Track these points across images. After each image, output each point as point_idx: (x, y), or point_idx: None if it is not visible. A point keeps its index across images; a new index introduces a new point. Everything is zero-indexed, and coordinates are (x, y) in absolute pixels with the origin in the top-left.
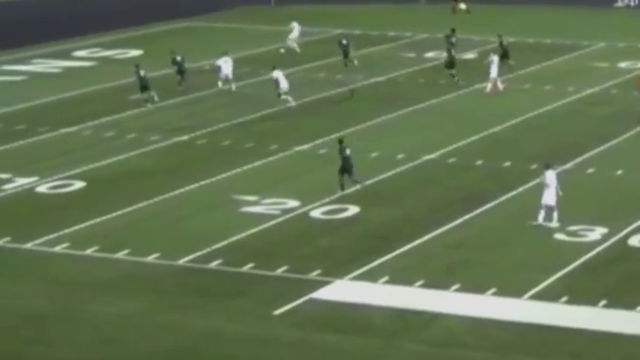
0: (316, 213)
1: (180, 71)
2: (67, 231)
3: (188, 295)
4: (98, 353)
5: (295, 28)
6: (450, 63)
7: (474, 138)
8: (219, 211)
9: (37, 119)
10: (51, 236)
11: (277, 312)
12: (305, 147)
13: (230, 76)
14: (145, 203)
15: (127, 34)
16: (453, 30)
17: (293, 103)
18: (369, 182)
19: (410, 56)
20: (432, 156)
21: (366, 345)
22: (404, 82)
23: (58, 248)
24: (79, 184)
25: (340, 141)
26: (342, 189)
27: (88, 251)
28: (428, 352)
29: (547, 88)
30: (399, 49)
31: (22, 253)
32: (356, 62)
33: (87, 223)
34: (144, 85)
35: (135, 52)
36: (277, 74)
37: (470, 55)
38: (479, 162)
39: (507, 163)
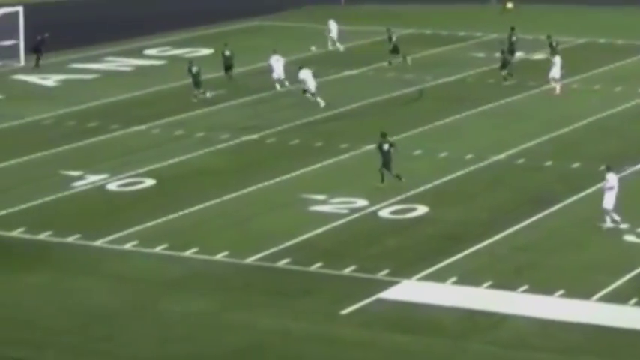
0: (385, 213)
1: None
2: (136, 229)
3: (256, 293)
4: (166, 351)
5: (333, 27)
6: (504, 63)
7: (542, 139)
8: (288, 210)
9: (108, 117)
10: (120, 234)
11: (344, 311)
12: (374, 146)
13: (282, 75)
14: (213, 202)
15: (197, 33)
16: (513, 29)
17: (323, 104)
18: (437, 182)
19: (479, 56)
20: (501, 157)
21: (434, 345)
22: (473, 83)
23: (127, 246)
24: (149, 182)
25: (383, 135)
26: (383, 181)
27: (157, 249)
28: (496, 354)
29: (617, 89)
30: (469, 49)
31: (92, 251)
32: (407, 58)
33: (156, 221)
34: (197, 82)
35: (205, 51)
36: (304, 74)
37: (539, 56)
38: (548, 163)
39: (576, 165)
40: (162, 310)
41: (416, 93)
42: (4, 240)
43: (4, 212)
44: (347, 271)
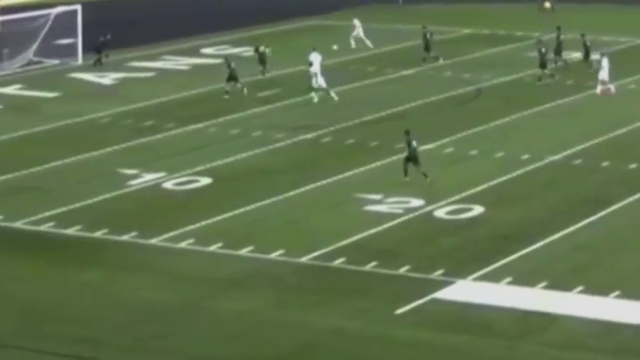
0: (440, 212)
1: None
2: (192, 227)
3: (310, 293)
4: (221, 350)
5: (357, 26)
6: (542, 63)
7: (600, 139)
8: (343, 210)
9: (164, 116)
10: (176, 232)
11: (399, 311)
12: (430, 146)
13: (319, 72)
14: (269, 201)
15: (254, 31)
16: (559, 28)
17: (335, 98)
18: (493, 182)
19: (537, 56)
20: (557, 157)
21: (488, 346)
22: (530, 83)
23: (182, 244)
24: (204, 181)
25: (407, 132)
26: (406, 174)
27: (212, 248)
28: (550, 355)
29: None
30: (526, 49)
31: (148, 249)
32: (441, 60)
33: (212, 220)
34: (233, 77)
35: (261, 50)
36: (316, 69)
37: (595, 56)
38: (605, 164)
39: (633, 165)
40: (216, 308)
41: (473, 92)
42: (60, 238)
43: (60, 210)
44: (402, 271)
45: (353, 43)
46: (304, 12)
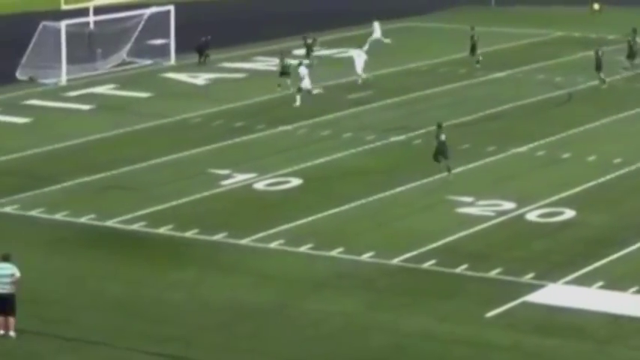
0: (532, 216)
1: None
2: (282, 228)
3: (401, 295)
4: (311, 350)
5: (376, 29)
6: (598, 65)
7: None
8: (434, 212)
9: (255, 117)
10: (267, 232)
11: (490, 314)
12: (522, 149)
13: (359, 69)
14: (359, 202)
15: (345, 33)
16: (635, 30)
17: (316, 91)
18: (585, 186)
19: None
20: None
21: (578, 350)
22: (622, 86)
23: (273, 245)
24: (295, 182)
25: (439, 126)
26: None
27: (303, 248)
28: None
29: None
30: (619, 53)
31: (239, 249)
32: (480, 59)
33: (302, 221)
34: (285, 72)
35: (354, 52)
36: (304, 71)
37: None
38: None
39: None
40: (306, 309)
41: (564, 96)
42: (151, 237)
43: (152, 209)
44: (492, 273)
45: (368, 46)
46: (395, 14)
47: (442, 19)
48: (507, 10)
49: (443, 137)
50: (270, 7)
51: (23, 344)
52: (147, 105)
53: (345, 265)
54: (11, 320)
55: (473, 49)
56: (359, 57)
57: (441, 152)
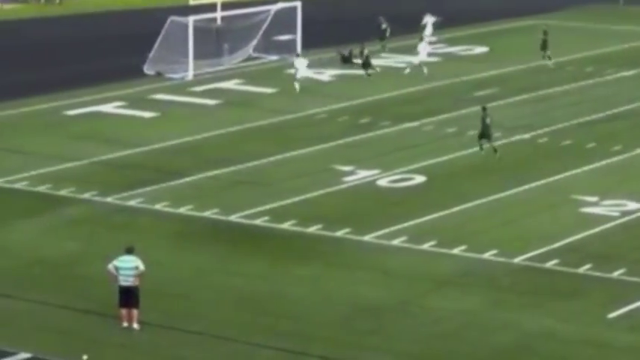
0: None
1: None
2: (405, 225)
3: (523, 294)
4: (432, 348)
5: (429, 24)
6: None
7: None
8: (558, 211)
9: (380, 113)
10: (389, 229)
11: (612, 315)
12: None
13: (418, 60)
14: (483, 200)
15: (472, 30)
16: None
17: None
18: None
19: None
20: None
21: None
22: None
23: (395, 241)
24: (419, 179)
25: (484, 109)
26: (482, 149)
27: (425, 246)
28: None
29: None
30: None
31: (361, 245)
32: (551, 61)
33: (425, 218)
34: (367, 63)
35: (480, 49)
36: (300, 63)
37: None
38: None
39: None
40: (429, 306)
41: None
42: (274, 232)
43: (276, 204)
44: (616, 274)
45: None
46: (522, 12)
47: (570, 17)
48: (636, 8)
49: (488, 120)
50: (398, 6)
51: (146, 337)
52: (273, 100)
53: (467, 263)
54: (134, 313)
55: (544, 45)
56: (424, 50)
57: (485, 135)
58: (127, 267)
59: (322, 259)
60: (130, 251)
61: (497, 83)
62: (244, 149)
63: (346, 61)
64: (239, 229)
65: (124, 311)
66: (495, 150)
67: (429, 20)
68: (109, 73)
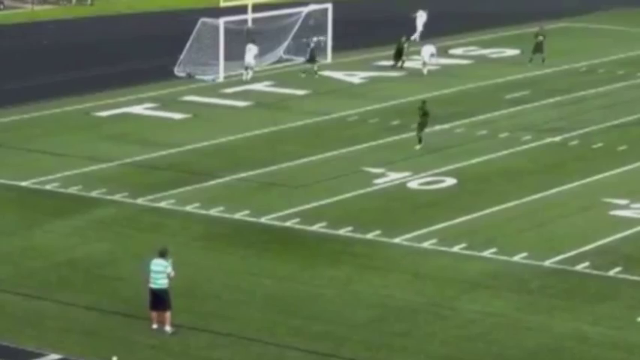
0: None
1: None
2: (435, 227)
3: (553, 296)
4: (463, 350)
5: (418, 19)
6: None
7: None
8: (589, 214)
9: (411, 115)
10: (420, 232)
11: None
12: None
13: (427, 59)
14: (513, 203)
15: (503, 33)
16: None
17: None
18: None
19: None
20: None
21: None
22: None
23: (426, 244)
24: (450, 181)
25: (423, 102)
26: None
27: (456, 248)
28: None
29: None
30: None
31: (392, 247)
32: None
33: (456, 220)
34: (312, 58)
35: (510, 52)
36: (251, 47)
37: None
38: None
39: None
40: (459, 308)
41: None
42: (305, 234)
43: (306, 207)
44: None
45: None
46: (553, 14)
47: (601, 19)
48: None
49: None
50: (427, 8)
51: (176, 338)
52: (304, 102)
53: (497, 266)
54: (166, 315)
55: (537, 48)
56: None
57: (423, 127)
58: (158, 270)
59: (353, 261)
60: (162, 254)
61: (529, 86)
62: (276, 151)
63: (399, 55)
64: (269, 231)
65: (154, 313)
66: (421, 141)
67: (421, 16)
68: (139, 75)
